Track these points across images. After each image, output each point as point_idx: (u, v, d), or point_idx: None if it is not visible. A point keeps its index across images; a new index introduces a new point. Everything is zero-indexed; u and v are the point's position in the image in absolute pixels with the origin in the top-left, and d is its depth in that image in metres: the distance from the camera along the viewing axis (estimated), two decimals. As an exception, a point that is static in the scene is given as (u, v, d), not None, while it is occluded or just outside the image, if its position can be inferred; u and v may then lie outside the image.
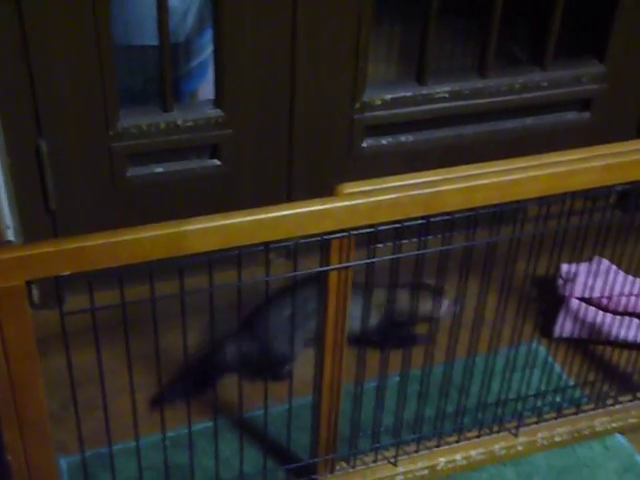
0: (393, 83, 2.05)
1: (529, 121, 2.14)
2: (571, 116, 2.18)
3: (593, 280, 1.78)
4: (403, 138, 2.07)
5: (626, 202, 2.24)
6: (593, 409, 1.71)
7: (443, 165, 1.34)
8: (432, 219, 1.29)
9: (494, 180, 1.28)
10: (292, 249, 1.25)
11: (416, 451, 1.62)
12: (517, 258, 1.42)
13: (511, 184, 1.28)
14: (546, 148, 1.42)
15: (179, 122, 1.85)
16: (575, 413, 1.70)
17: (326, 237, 1.26)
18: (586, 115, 2.18)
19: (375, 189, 1.25)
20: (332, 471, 1.57)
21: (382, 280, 1.44)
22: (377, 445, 1.58)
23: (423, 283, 1.66)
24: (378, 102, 1.99)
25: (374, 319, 1.71)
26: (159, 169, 1.91)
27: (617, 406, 1.73)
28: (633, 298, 1.85)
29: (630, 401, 1.73)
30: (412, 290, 1.63)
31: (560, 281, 1.93)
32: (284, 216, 1.20)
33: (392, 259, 1.34)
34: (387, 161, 2.05)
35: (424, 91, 2.02)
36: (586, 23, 2.15)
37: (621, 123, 2.21)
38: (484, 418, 1.64)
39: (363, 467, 1.59)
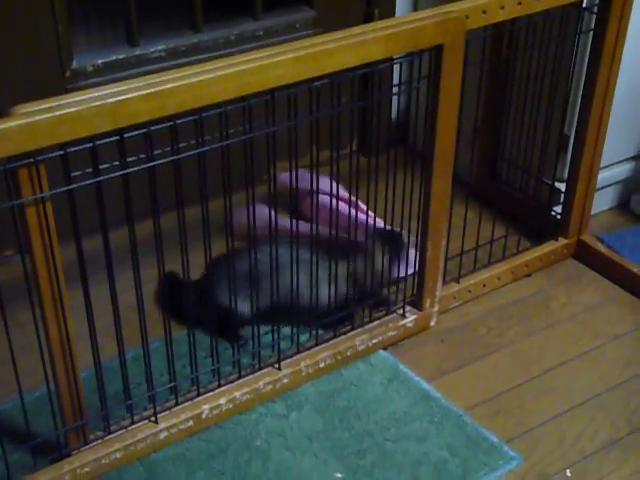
0: (103, 47, 1.96)
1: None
2: (293, 63, 2.18)
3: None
4: (126, 105, 1.98)
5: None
6: (351, 329, 1.70)
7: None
8: (126, 134, 1.22)
9: (182, 83, 1.22)
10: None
11: (176, 404, 1.53)
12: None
13: (202, 85, 1.24)
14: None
15: None
16: (334, 337, 1.68)
17: (11, 166, 1.15)
18: (307, 61, 2.19)
19: (54, 105, 1.16)
20: (86, 442, 1.44)
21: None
22: (129, 402, 1.47)
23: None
24: (90, 68, 1.90)
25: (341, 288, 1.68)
26: None
27: (375, 322, 1.72)
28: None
29: (385, 315, 1.74)
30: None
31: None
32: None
33: (93, 182, 1.25)
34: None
35: (137, 52, 1.95)
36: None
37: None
38: (241, 356, 1.58)
39: (122, 432, 1.48)
